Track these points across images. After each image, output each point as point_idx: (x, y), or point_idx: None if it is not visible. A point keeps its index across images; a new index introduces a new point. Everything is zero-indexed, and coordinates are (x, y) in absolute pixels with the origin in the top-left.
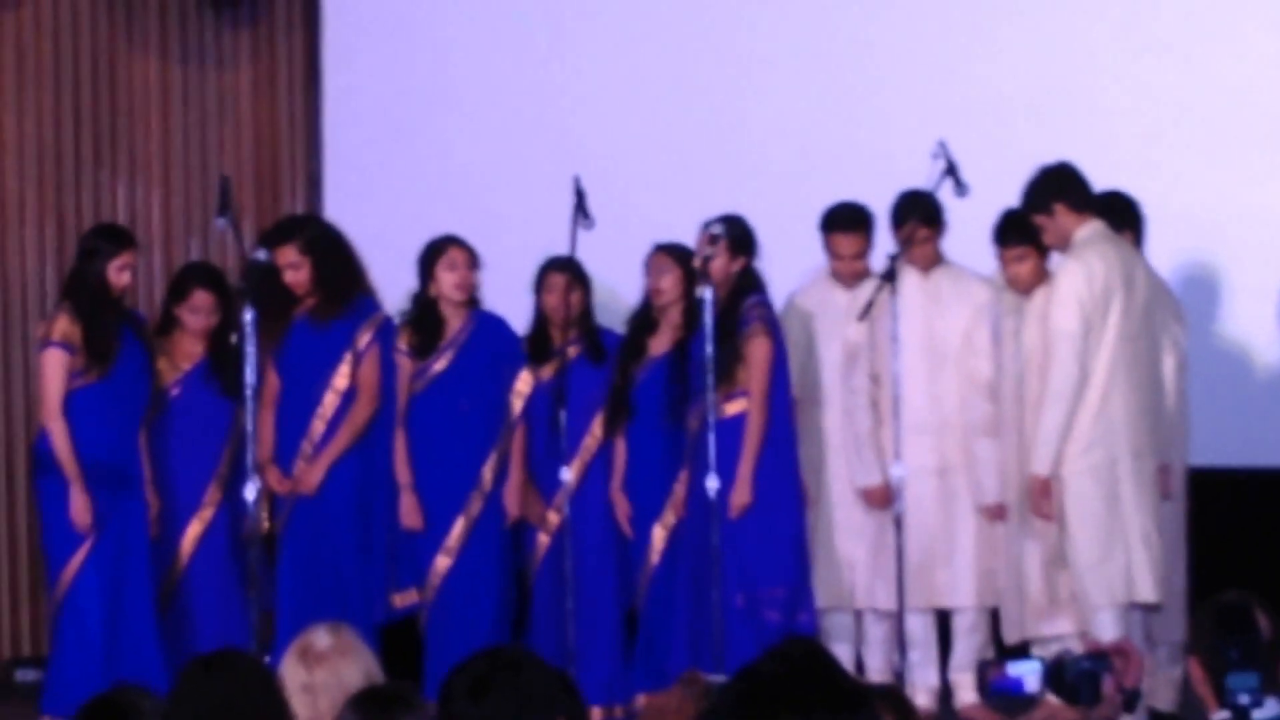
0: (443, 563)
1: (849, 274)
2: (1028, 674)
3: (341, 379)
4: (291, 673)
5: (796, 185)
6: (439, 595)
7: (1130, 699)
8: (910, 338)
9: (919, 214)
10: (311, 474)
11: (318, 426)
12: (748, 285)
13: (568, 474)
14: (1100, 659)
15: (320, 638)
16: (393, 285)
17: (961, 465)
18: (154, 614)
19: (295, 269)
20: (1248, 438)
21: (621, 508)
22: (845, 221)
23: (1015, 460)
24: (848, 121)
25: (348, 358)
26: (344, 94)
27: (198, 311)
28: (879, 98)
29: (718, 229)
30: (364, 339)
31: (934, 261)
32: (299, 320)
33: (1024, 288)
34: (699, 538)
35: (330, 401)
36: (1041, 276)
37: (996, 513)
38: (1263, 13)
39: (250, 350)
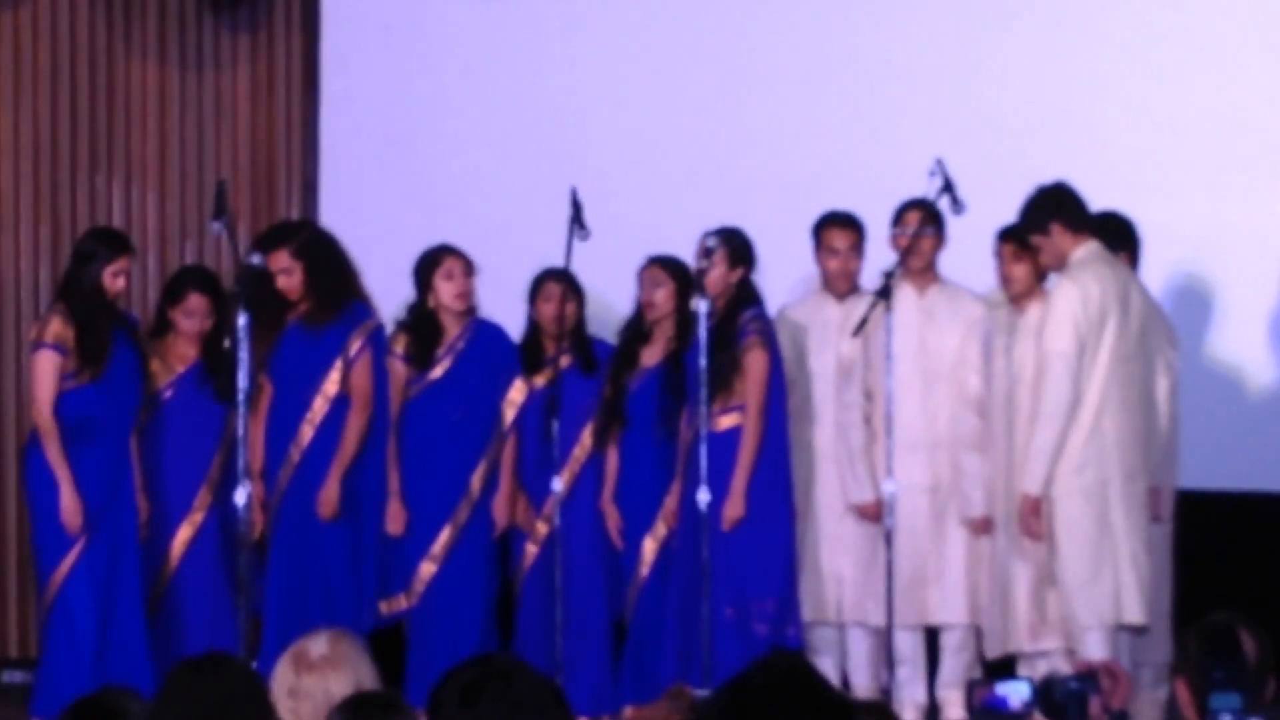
0: (428, 569)
1: (842, 274)
2: (1015, 693)
3: (332, 385)
4: (281, 676)
5: (793, 200)
6: (423, 602)
7: None
8: (905, 355)
9: (922, 208)
10: (328, 493)
11: (306, 432)
12: (745, 298)
13: (558, 484)
14: (1088, 680)
15: (317, 645)
16: (387, 291)
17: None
18: (143, 617)
19: (288, 274)
20: (1236, 461)
21: (612, 519)
22: (839, 217)
23: (1003, 476)
24: (845, 138)
25: (339, 364)
26: (341, 99)
27: (192, 315)
28: (876, 114)
29: (712, 242)
30: (355, 345)
31: (930, 279)
32: (292, 325)
33: (1018, 290)
34: (689, 550)
35: (320, 407)
36: (1035, 288)
37: (982, 526)
38: (1259, 36)
39: (243, 354)
